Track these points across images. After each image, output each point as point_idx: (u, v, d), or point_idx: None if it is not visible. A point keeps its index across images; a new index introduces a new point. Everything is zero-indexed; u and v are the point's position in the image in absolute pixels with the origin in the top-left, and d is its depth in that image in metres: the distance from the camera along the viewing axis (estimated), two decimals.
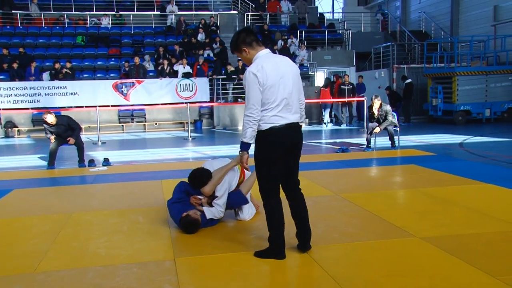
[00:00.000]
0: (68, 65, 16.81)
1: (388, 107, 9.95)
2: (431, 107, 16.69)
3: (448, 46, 21.11)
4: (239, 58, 18.45)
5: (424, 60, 17.78)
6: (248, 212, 5.02)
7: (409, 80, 16.99)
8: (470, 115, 16.01)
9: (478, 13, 20.42)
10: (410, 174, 7.25)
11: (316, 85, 18.94)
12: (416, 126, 15.98)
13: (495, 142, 11.11)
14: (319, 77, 19.62)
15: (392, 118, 9.88)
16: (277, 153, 3.64)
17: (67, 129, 8.83)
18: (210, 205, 4.79)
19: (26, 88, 15.86)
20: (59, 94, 16.04)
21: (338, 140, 11.89)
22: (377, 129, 9.73)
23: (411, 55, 20.39)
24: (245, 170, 4.93)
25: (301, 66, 19.38)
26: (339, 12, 30.24)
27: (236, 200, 4.89)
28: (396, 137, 10.05)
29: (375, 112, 9.89)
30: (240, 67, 17.50)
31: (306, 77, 19.23)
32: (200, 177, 4.72)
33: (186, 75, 17.01)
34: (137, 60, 17.21)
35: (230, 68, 17.34)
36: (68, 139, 8.80)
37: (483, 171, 7.26)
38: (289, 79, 3.65)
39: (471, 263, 3.57)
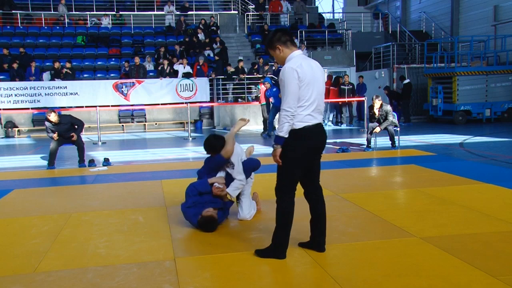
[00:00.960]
0: (68, 65, 16.82)
1: (388, 107, 9.96)
2: (431, 107, 16.70)
3: (448, 46, 21.11)
4: (241, 58, 18.56)
5: (424, 60, 17.78)
6: (249, 211, 5.04)
7: (407, 80, 17.00)
8: (470, 115, 16.01)
9: (478, 13, 20.42)
10: (410, 174, 7.25)
11: None
12: (416, 126, 15.98)
13: (495, 142, 11.11)
14: None
15: (393, 118, 9.89)
16: (306, 153, 3.73)
17: (69, 128, 8.83)
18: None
19: (26, 88, 15.87)
20: (59, 94, 16.05)
21: (338, 140, 11.89)
22: (377, 129, 9.73)
23: (411, 55, 20.38)
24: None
25: None
26: (339, 12, 30.26)
27: (254, 162, 5.16)
28: (396, 137, 10.05)
29: (376, 112, 9.89)
30: (240, 67, 17.51)
31: None
32: (216, 140, 4.91)
33: (186, 75, 17.01)
34: (137, 60, 17.22)
35: (230, 69, 17.35)
36: (71, 134, 8.80)
37: (483, 171, 7.26)
38: (320, 81, 3.76)
39: (470, 263, 3.58)
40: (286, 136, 3.61)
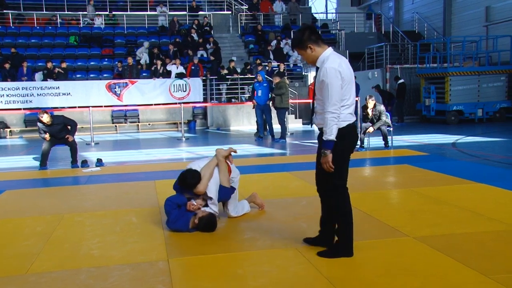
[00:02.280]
0: (64, 65, 16.73)
1: (382, 107, 9.99)
2: (424, 107, 16.77)
3: (440, 47, 21.23)
4: (234, 59, 18.54)
5: (417, 60, 17.86)
6: (234, 209, 5.04)
7: (401, 81, 17.07)
8: (463, 115, 16.10)
9: (470, 14, 20.55)
10: (403, 174, 7.27)
11: (308, 86, 18.94)
12: (409, 126, 16.05)
13: (487, 142, 11.18)
14: (312, 78, 19.62)
15: (386, 118, 9.92)
16: (352, 150, 3.78)
17: (62, 129, 8.78)
18: (204, 206, 4.79)
19: (18, 88, 15.77)
20: (52, 94, 15.96)
21: None
22: (371, 129, 9.76)
23: (404, 55, 20.47)
24: (231, 166, 5.00)
25: (295, 66, 19.43)
26: (332, 13, 30.31)
27: (224, 193, 4.88)
28: (389, 137, 10.09)
29: (370, 112, 9.92)
30: (232, 67, 17.49)
31: (300, 77, 19.27)
32: (192, 178, 4.67)
33: (180, 75, 16.97)
34: (130, 60, 17.17)
35: (224, 71, 17.33)
36: (66, 136, 8.75)
37: (476, 171, 7.30)
38: (354, 80, 3.74)
39: (464, 262, 3.59)
40: (335, 139, 3.56)
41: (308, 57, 3.73)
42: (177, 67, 17.17)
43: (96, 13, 21.12)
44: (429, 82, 16.85)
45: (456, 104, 15.95)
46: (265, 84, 12.57)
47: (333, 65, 3.54)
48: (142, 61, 18.20)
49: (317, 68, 3.70)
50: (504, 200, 5.43)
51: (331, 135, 3.54)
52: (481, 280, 3.29)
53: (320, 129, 3.71)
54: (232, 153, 4.99)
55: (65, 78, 16.55)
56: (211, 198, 4.76)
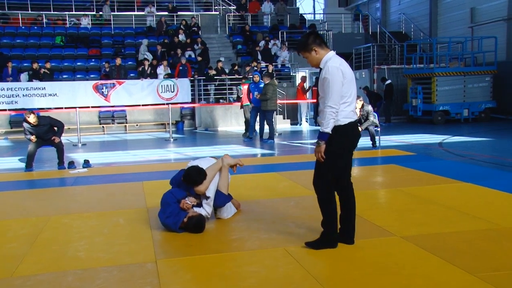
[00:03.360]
0: (48, 65, 16.57)
1: (369, 108, 10.05)
2: (411, 107, 16.90)
3: (427, 47, 21.40)
4: (222, 59, 18.51)
5: (404, 61, 18.00)
6: (226, 211, 5.06)
7: (389, 81, 17.18)
8: (449, 115, 16.26)
9: (456, 15, 20.76)
10: (391, 174, 7.32)
11: (296, 86, 19.00)
12: (396, 126, 16.17)
13: (473, 142, 11.31)
14: (300, 78, 19.67)
15: (373, 118, 9.98)
16: (351, 147, 3.99)
17: (48, 130, 8.69)
18: (198, 206, 4.81)
19: (3, 89, 15.58)
20: (38, 95, 15.79)
21: None
22: (359, 129, 9.80)
23: (391, 56, 20.60)
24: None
25: (283, 67, 19.45)
26: (320, 13, 30.42)
27: (221, 200, 4.95)
28: (377, 137, 10.15)
29: (357, 112, 9.97)
30: (220, 68, 17.46)
31: (288, 78, 19.30)
32: (198, 175, 4.72)
33: (168, 76, 16.90)
34: (118, 60, 17.04)
35: (212, 72, 17.29)
36: (53, 138, 8.66)
37: (462, 170, 7.37)
38: (354, 80, 3.97)
39: (450, 261, 3.63)
40: (330, 132, 3.76)
41: (313, 59, 3.95)
42: (164, 69, 17.07)
43: (83, 13, 20.95)
44: (416, 83, 16.99)
45: (442, 105, 16.10)
46: (261, 85, 12.52)
47: (335, 64, 3.80)
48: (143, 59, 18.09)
49: (320, 70, 3.91)
50: (489, 199, 5.50)
51: (327, 127, 3.74)
52: (467, 278, 3.33)
53: None
54: (238, 166, 5.12)
55: (51, 78, 16.38)
56: (207, 198, 4.79)
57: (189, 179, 4.74)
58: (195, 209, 4.75)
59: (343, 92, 3.77)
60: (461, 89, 16.34)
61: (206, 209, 4.81)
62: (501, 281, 3.24)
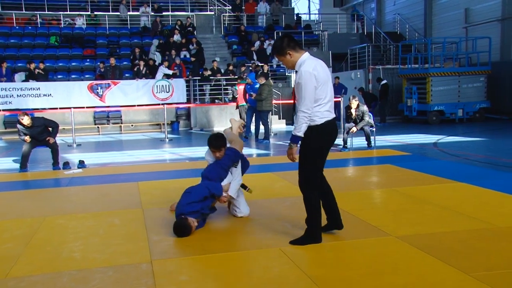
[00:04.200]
0: (42, 65, 16.50)
1: (365, 108, 10.07)
2: (406, 107, 16.95)
3: (422, 47, 21.47)
4: (217, 59, 18.47)
5: (399, 61, 18.04)
6: (247, 207, 5.12)
7: (384, 81, 17.22)
8: (444, 115, 16.31)
9: (450, 15, 20.83)
10: (386, 174, 7.34)
11: (292, 86, 19.01)
12: (391, 126, 16.21)
13: (467, 142, 11.35)
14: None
15: (369, 118, 10.01)
16: (329, 144, 4.10)
17: (42, 131, 8.64)
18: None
19: None
20: (32, 95, 15.72)
21: None
22: (354, 129, 9.83)
23: (386, 56, 20.66)
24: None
25: (278, 67, 19.46)
26: (315, 13, 30.47)
27: (246, 162, 5.27)
28: (372, 137, 10.17)
29: (353, 112, 9.99)
30: (215, 68, 17.45)
31: (283, 78, 19.31)
32: (221, 139, 5.04)
33: (167, 76, 16.84)
34: (112, 61, 16.99)
35: (207, 72, 17.28)
36: (48, 138, 8.62)
37: (457, 170, 7.40)
38: (330, 80, 4.07)
39: (445, 260, 3.64)
40: (302, 136, 3.89)
41: (288, 62, 4.03)
42: (165, 67, 17.00)
43: (77, 13, 20.88)
44: (411, 83, 17.04)
45: (437, 105, 16.16)
46: (256, 86, 12.51)
47: (308, 68, 3.85)
48: (157, 63, 18.08)
49: (296, 72, 3.99)
50: (484, 199, 5.52)
51: (299, 131, 3.87)
52: (461, 278, 3.34)
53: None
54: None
55: (45, 79, 16.31)
56: (237, 164, 5.05)
57: (215, 140, 5.00)
58: (230, 192, 4.89)
59: (317, 96, 3.86)
60: (456, 89, 16.40)
61: (237, 178, 4.99)
62: (495, 281, 3.25)
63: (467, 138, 12.04)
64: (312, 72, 3.83)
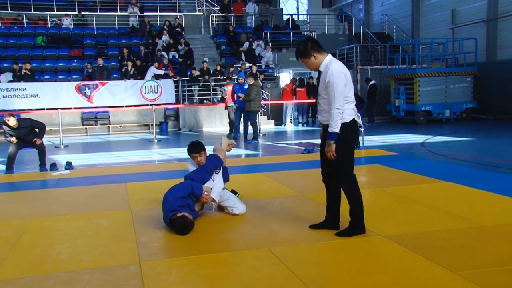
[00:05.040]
0: (28, 66, 16.32)
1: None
2: (394, 107, 17.06)
3: (409, 48, 21.63)
4: (206, 60, 18.43)
5: (387, 62, 18.15)
6: (242, 204, 5.22)
7: (372, 82, 17.31)
8: (431, 115, 16.45)
9: (437, 16, 21.01)
10: (374, 174, 7.38)
11: (281, 87, 19.05)
12: (380, 126, 16.30)
13: (454, 142, 11.46)
14: (284, 79, 19.74)
15: (357, 118, 10.03)
16: (356, 140, 4.29)
17: (29, 132, 8.54)
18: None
19: None
20: (19, 96, 15.53)
21: (303, 141, 12.00)
22: None
23: (374, 57, 20.77)
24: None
25: (267, 67, 19.48)
26: (303, 14, 30.55)
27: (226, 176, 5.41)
28: (360, 137, 10.22)
29: None
30: (204, 69, 17.41)
31: (272, 79, 19.33)
32: (198, 143, 5.17)
33: (156, 76, 16.74)
34: (100, 61, 16.85)
35: (196, 73, 17.23)
36: (34, 140, 8.53)
37: (444, 170, 7.47)
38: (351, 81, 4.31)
39: (432, 259, 3.67)
40: (339, 132, 4.07)
41: (312, 64, 4.23)
42: (159, 69, 16.88)
43: (64, 13, 20.70)
44: (399, 83, 17.15)
45: (424, 105, 16.28)
46: (245, 86, 12.48)
47: (338, 68, 4.12)
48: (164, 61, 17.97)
49: (319, 72, 4.23)
50: (471, 198, 5.58)
51: (336, 128, 4.07)
52: (449, 276, 3.37)
53: (325, 126, 4.21)
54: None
55: (32, 79, 16.14)
56: (218, 171, 5.16)
57: (194, 146, 5.15)
58: (213, 195, 4.99)
59: (345, 93, 4.08)
60: (443, 89, 16.55)
61: (218, 184, 5.08)
62: (482, 279, 3.29)
63: (454, 138, 12.15)
64: (341, 71, 4.09)
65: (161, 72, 16.84)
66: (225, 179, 5.38)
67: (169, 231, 4.61)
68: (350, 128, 4.18)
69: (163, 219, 4.75)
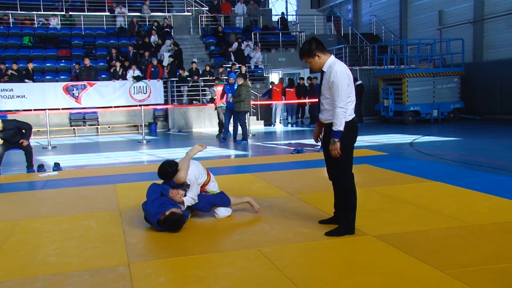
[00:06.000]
0: (15, 66, 16.15)
1: None
2: (383, 107, 17.16)
3: (397, 49, 21.78)
4: (195, 60, 18.38)
5: (375, 62, 18.26)
6: (226, 211, 5.10)
7: (359, 82, 17.40)
8: (419, 116, 16.57)
9: (425, 17, 21.19)
10: (363, 174, 7.40)
11: (270, 87, 19.06)
12: (369, 126, 16.39)
13: (442, 142, 11.56)
14: (274, 79, 19.74)
15: None
16: (356, 138, 4.46)
17: (15, 134, 8.44)
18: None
19: None
20: (5, 97, 15.38)
21: (293, 141, 12.03)
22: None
23: (363, 57, 20.88)
24: (210, 173, 5.27)
25: (256, 68, 19.49)
26: (292, 14, 30.60)
27: (218, 199, 5.08)
28: None
29: None
30: (194, 69, 17.37)
31: (261, 79, 19.34)
32: (169, 167, 4.89)
33: (136, 78, 16.58)
34: (87, 61, 16.68)
35: (184, 73, 17.18)
36: (21, 141, 8.43)
37: (432, 170, 7.53)
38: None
39: (420, 258, 3.70)
40: (343, 130, 4.17)
41: (316, 64, 4.31)
42: (134, 72, 16.78)
43: (52, 13, 20.51)
44: (387, 83, 17.25)
45: (413, 105, 16.40)
46: (235, 86, 12.45)
47: (342, 68, 4.21)
48: (164, 63, 17.86)
49: (322, 72, 4.32)
50: (458, 198, 5.63)
51: (341, 126, 4.17)
52: (436, 275, 3.40)
53: (328, 124, 4.28)
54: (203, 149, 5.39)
55: (19, 80, 15.98)
56: (189, 186, 4.89)
57: (164, 172, 4.91)
58: (184, 198, 4.84)
59: (348, 93, 4.19)
60: (431, 89, 16.68)
61: (189, 195, 4.87)
62: (468, 277, 3.32)
63: (442, 138, 12.26)
64: (345, 71, 4.19)
65: (137, 73, 16.69)
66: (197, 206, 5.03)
67: (157, 233, 4.59)
68: (352, 127, 4.29)
69: (152, 226, 4.70)
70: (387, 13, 23.83)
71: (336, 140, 4.19)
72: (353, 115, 4.31)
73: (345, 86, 4.15)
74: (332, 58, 4.30)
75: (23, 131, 8.58)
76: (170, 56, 18.55)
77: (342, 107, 4.14)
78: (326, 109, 4.30)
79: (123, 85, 16.43)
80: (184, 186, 4.93)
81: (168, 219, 4.53)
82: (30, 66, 16.44)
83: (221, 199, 5.08)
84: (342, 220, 4.39)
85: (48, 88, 15.95)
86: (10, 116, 13.92)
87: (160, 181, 5.11)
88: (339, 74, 4.15)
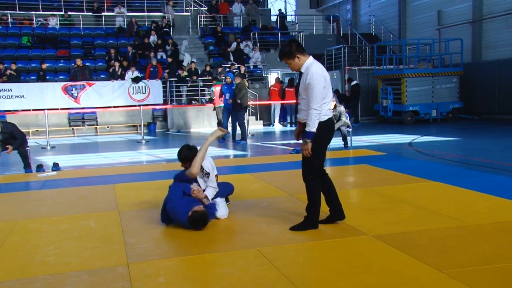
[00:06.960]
0: (14, 66, 16.13)
1: (342, 108, 10.18)
2: (382, 107, 17.17)
3: (396, 49, 21.79)
4: (194, 60, 18.31)
5: (374, 62, 18.26)
6: (225, 211, 5.13)
7: (355, 82, 17.41)
8: (418, 116, 16.59)
9: (424, 17, 21.21)
10: (362, 174, 7.42)
11: (268, 87, 19.06)
12: (367, 126, 16.40)
13: (441, 142, 11.57)
14: (272, 79, 19.75)
15: (346, 119, 10.11)
16: (330, 139, 4.59)
17: (8, 138, 8.35)
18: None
19: None
20: (4, 97, 15.36)
21: (292, 141, 12.03)
22: None
23: (362, 57, 20.88)
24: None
25: (255, 68, 19.49)
26: (291, 14, 30.61)
27: (229, 186, 5.34)
28: (348, 138, 10.27)
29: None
30: (192, 69, 17.37)
31: (260, 79, 19.34)
32: (189, 151, 5.00)
33: (135, 80, 16.56)
34: (79, 61, 16.49)
35: (183, 73, 17.18)
36: (7, 146, 8.33)
37: (431, 170, 7.54)
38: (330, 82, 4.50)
39: (419, 258, 3.70)
40: (316, 131, 4.25)
41: (295, 65, 4.41)
42: (133, 73, 16.75)
43: (50, 13, 20.50)
44: (386, 83, 17.27)
45: (412, 105, 16.42)
46: (233, 87, 12.45)
47: (318, 70, 4.29)
48: (185, 63, 17.83)
49: (301, 73, 4.39)
50: (457, 198, 5.63)
51: (313, 127, 4.25)
52: (435, 275, 3.40)
53: (304, 124, 4.34)
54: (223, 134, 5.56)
55: (18, 80, 15.96)
56: (208, 174, 5.01)
57: (184, 156, 5.02)
58: (207, 192, 4.96)
59: (323, 94, 4.26)
60: (430, 89, 16.70)
61: (211, 185, 4.99)
62: (467, 277, 3.32)
63: (441, 138, 12.26)
64: (321, 74, 4.27)
65: (135, 74, 16.64)
66: (222, 193, 5.22)
67: (157, 233, 4.60)
68: (325, 127, 4.35)
69: (178, 224, 4.71)
70: (386, 13, 23.84)
71: (307, 140, 4.28)
72: (328, 116, 4.39)
73: (321, 88, 4.23)
74: (310, 59, 4.39)
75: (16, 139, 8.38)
76: (169, 56, 18.56)
77: (316, 109, 4.22)
78: (302, 109, 4.38)
79: (122, 85, 16.42)
80: (203, 174, 5.03)
81: (193, 218, 4.58)
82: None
83: (229, 185, 5.38)
84: (306, 216, 4.51)
85: (47, 88, 15.93)
86: (9, 117, 13.94)
87: (180, 168, 5.16)
88: (315, 76, 4.23)
